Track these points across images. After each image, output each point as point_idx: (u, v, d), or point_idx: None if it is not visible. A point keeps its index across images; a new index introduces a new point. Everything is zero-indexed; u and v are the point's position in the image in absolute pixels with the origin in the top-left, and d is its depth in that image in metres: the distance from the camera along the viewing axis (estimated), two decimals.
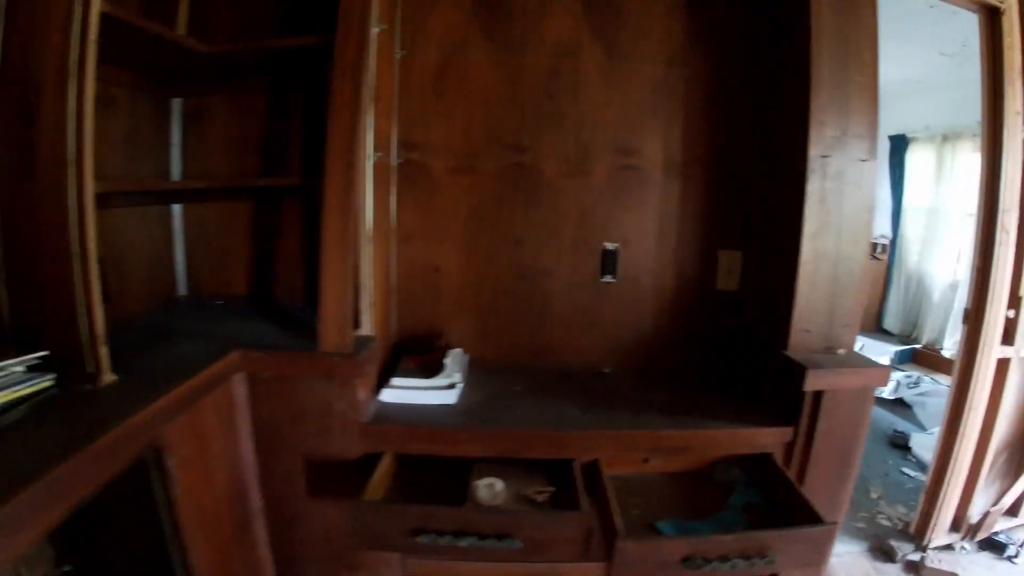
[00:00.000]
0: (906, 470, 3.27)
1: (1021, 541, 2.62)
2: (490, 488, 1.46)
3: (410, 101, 1.81)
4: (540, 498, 1.48)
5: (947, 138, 5.42)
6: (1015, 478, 2.71)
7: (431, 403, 1.61)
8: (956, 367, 2.44)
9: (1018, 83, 2.29)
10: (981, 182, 2.35)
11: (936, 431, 3.73)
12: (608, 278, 1.89)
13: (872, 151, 1.59)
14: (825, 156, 1.56)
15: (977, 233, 2.38)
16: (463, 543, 1.28)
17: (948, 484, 2.49)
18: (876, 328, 6.17)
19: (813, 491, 1.58)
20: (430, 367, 1.71)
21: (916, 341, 5.61)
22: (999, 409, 2.47)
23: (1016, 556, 2.55)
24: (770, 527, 1.35)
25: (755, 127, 1.83)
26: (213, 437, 1.38)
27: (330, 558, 1.59)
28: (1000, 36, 2.22)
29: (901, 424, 3.90)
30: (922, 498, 2.59)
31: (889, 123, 6.13)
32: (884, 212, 6.32)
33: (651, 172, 1.85)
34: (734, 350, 1.92)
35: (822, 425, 1.56)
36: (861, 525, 2.75)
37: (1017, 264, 2.40)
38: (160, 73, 1.74)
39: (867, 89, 1.58)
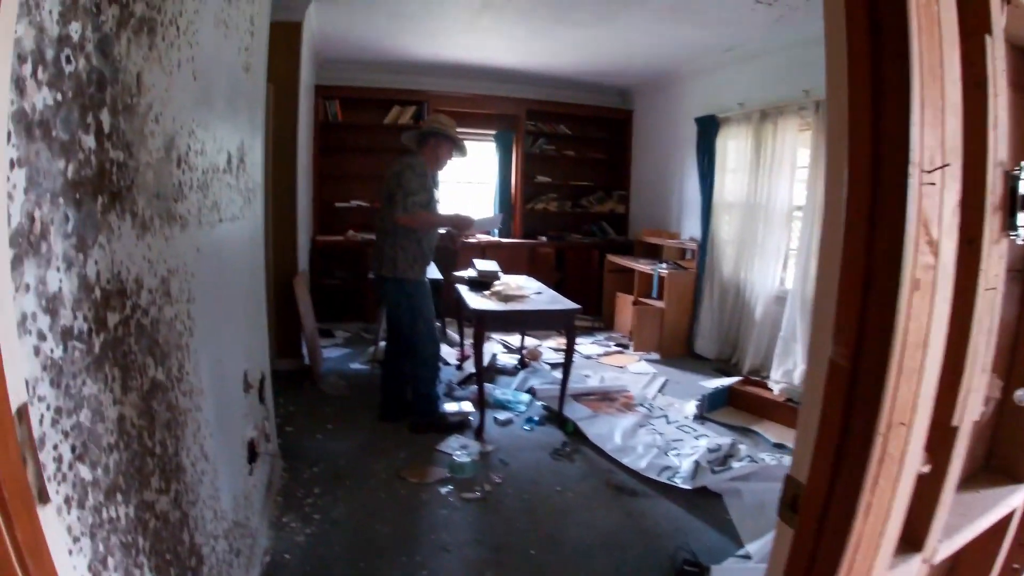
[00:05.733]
0: None
1: None
2: None
3: None
4: None
5: (767, 115, 4.32)
6: None
7: None
8: None
9: None
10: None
11: (754, 549, 2.11)
12: None
13: None
14: None
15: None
16: None
17: None
18: (687, 353, 4.96)
19: None
20: None
21: (737, 369, 4.49)
22: None
23: None
24: None
25: None
26: None
27: None
28: None
29: (702, 537, 2.26)
30: None
31: (695, 103, 5.16)
32: (692, 210, 5.25)
33: None
34: None
35: None
36: None
37: None
38: None
39: None
